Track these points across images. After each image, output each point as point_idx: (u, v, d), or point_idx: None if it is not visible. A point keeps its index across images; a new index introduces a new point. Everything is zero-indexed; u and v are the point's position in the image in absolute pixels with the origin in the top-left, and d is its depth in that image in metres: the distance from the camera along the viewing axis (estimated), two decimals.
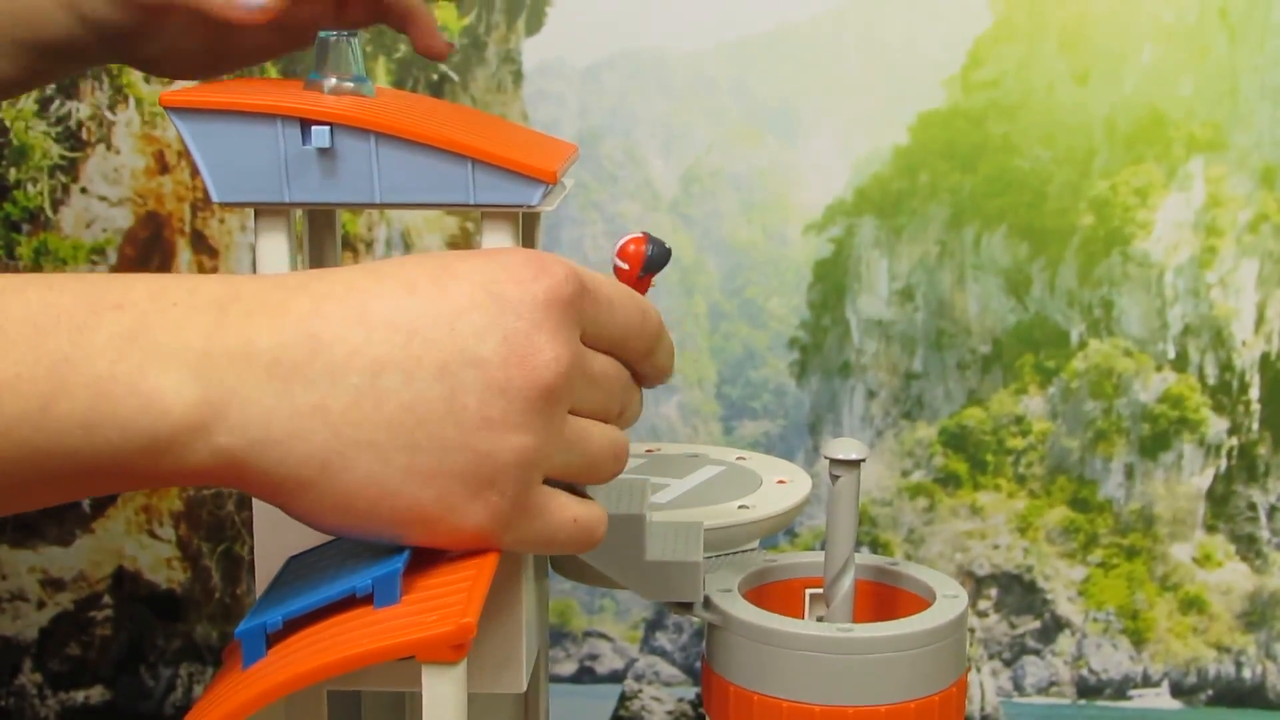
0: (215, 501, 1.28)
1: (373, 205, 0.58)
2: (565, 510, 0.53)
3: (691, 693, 1.36)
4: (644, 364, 0.56)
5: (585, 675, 1.37)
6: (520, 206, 0.58)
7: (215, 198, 0.58)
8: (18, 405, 0.47)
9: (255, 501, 0.59)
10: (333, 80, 0.58)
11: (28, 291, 0.48)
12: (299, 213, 0.61)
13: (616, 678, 1.37)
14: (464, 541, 0.51)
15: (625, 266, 0.59)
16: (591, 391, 0.53)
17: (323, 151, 0.57)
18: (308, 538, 0.57)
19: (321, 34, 0.59)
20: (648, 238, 0.59)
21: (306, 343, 0.49)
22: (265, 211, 0.58)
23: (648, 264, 0.59)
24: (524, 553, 0.54)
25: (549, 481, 0.52)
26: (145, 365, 0.47)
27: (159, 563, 1.29)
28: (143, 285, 0.49)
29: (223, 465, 0.49)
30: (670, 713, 1.37)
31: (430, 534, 0.51)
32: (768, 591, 0.65)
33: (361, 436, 0.49)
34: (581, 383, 0.52)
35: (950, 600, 0.61)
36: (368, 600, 0.51)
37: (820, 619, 0.64)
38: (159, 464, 0.48)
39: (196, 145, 0.57)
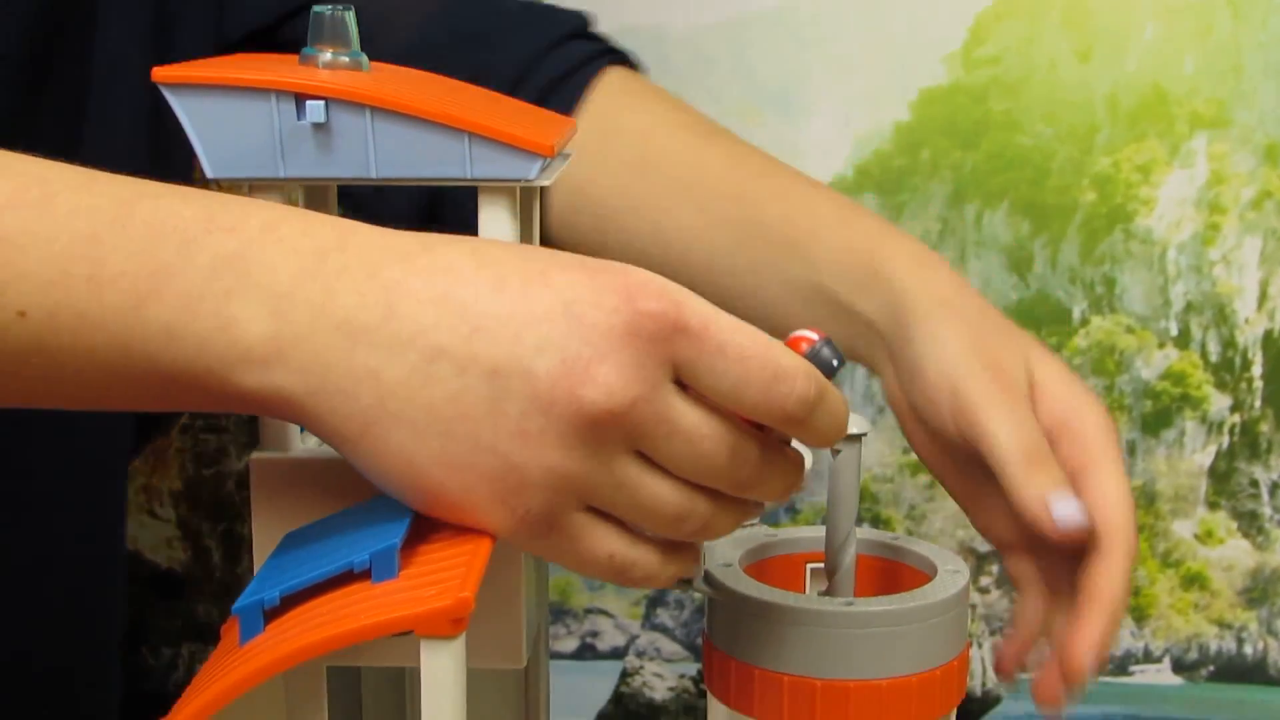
0: (216, 481, 1.28)
1: (369, 181, 0.57)
2: (601, 542, 0.52)
3: (693, 669, 1.36)
4: (790, 431, 0.53)
5: (587, 652, 1.37)
6: (518, 181, 0.57)
7: (209, 173, 0.57)
8: (117, 299, 0.50)
9: (253, 479, 0.59)
10: (328, 55, 0.58)
11: (162, 199, 0.52)
12: (297, 190, 0.61)
13: (618, 654, 1.37)
14: (496, 535, 0.52)
15: None
16: (672, 445, 0.51)
17: (318, 127, 0.57)
18: (306, 515, 0.57)
19: (315, 9, 0.58)
20: (817, 341, 0.54)
21: (381, 310, 0.50)
22: (260, 187, 0.58)
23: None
24: (553, 562, 0.54)
25: (599, 511, 0.52)
26: (233, 291, 0.50)
27: (160, 543, 1.29)
28: (261, 215, 0.52)
29: (282, 401, 0.51)
30: (672, 689, 1.37)
31: (459, 519, 0.52)
32: (768, 566, 0.65)
33: (403, 412, 0.50)
34: (656, 428, 0.50)
35: (952, 575, 0.61)
36: (365, 575, 0.51)
37: (822, 593, 0.64)
38: (225, 385, 0.51)
39: (190, 120, 0.57)
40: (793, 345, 0.54)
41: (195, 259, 0.50)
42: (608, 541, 0.52)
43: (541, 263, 0.51)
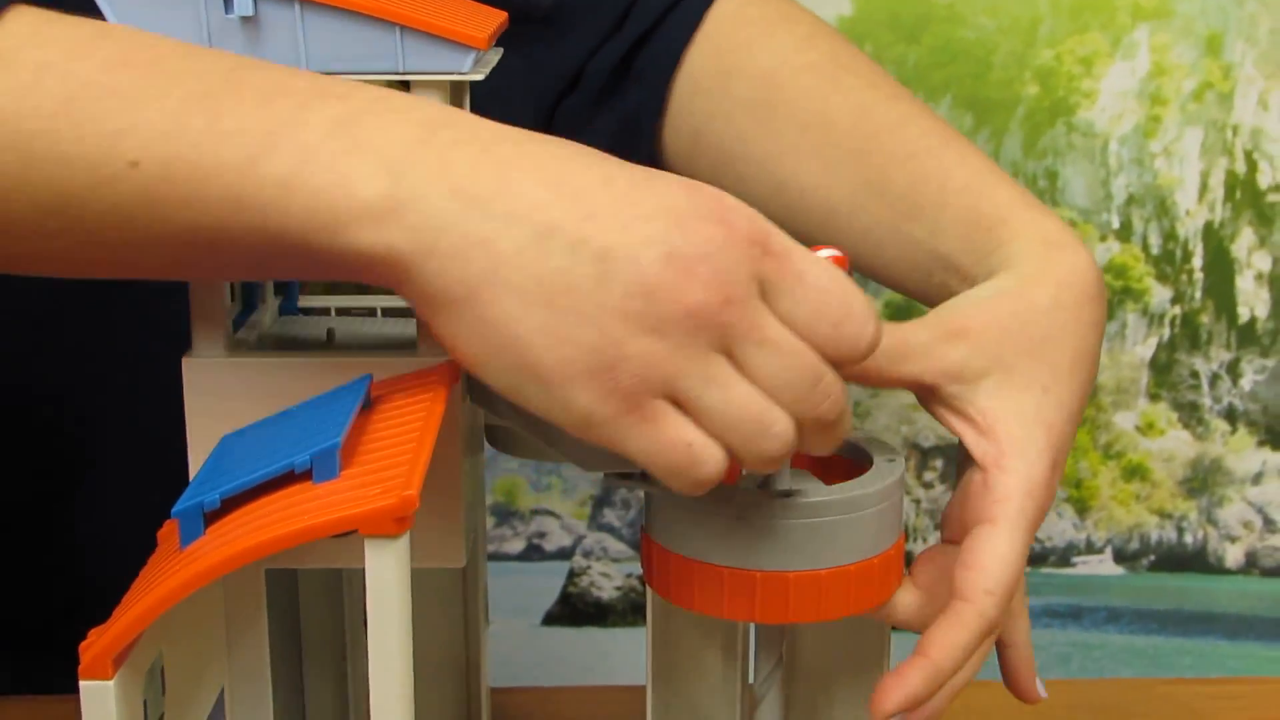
0: None
1: None
2: (681, 430, 0.52)
3: (640, 568, 1.36)
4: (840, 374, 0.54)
5: (534, 553, 1.37)
6: (451, 74, 0.57)
7: None
8: (230, 154, 0.51)
9: (186, 381, 0.58)
10: None
11: (270, 70, 0.53)
12: None
13: (565, 555, 1.37)
14: (572, 421, 0.52)
15: None
16: (762, 354, 0.52)
17: (246, 20, 0.56)
18: (240, 417, 0.57)
19: None
20: (846, 261, 0.56)
21: (496, 183, 0.51)
22: None
23: None
24: (625, 456, 0.53)
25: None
26: (349, 148, 0.51)
27: None
28: (370, 90, 0.53)
29: (390, 259, 0.51)
30: (619, 588, 1.38)
31: (542, 397, 0.52)
32: None
33: (514, 279, 0.50)
34: (745, 333, 0.51)
35: (887, 464, 0.61)
36: (306, 476, 0.51)
37: (759, 486, 0.64)
38: (333, 242, 0.51)
39: (115, 15, 0.56)
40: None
41: (310, 120, 0.51)
42: (688, 431, 0.52)
43: (642, 170, 0.53)
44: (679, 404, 0.52)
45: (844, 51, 0.77)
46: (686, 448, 0.52)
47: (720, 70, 0.78)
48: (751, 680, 0.63)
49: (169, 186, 0.51)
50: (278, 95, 0.52)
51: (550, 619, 1.38)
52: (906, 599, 0.62)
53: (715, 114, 0.78)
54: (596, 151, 0.53)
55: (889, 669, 0.63)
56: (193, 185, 0.51)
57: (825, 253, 0.55)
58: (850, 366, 0.53)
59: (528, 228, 0.51)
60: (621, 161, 0.53)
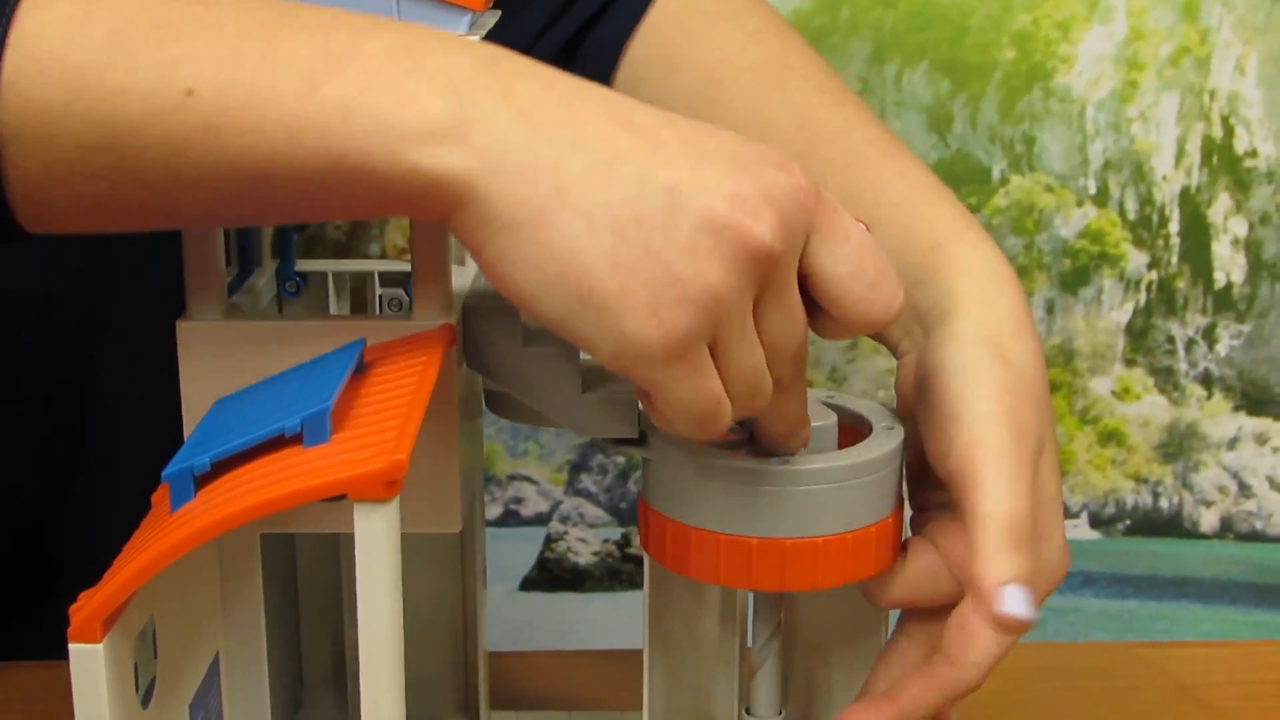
0: None
1: None
2: (715, 384, 0.52)
3: (617, 533, 1.36)
4: (851, 333, 0.55)
5: (510, 519, 1.37)
6: None
7: None
8: (290, 79, 0.50)
9: (181, 345, 0.57)
10: None
11: (321, 9, 0.52)
12: None
13: (541, 520, 1.37)
14: (618, 353, 0.51)
15: None
16: (781, 312, 0.53)
17: None
18: (234, 381, 0.57)
19: None
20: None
21: (562, 110, 0.51)
22: None
23: None
24: (652, 398, 0.53)
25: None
26: (413, 70, 0.50)
27: None
28: (424, 26, 0.53)
29: (452, 179, 0.50)
30: (596, 553, 1.38)
31: (594, 327, 0.51)
32: None
33: (581, 203, 0.50)
34: (779, 290, 0.52)
35: (887, 432, 0.61)
36: (297, 439, 0.50)
37: (756, 452, 0.64)
38: (397, 159, 0.50)
39: None
40: None
41: (368, 46, 0.50)
42: (718, 386, 0.52)
43: (698, 124, 0.53)
44: (713, 352, 0.52)
45: (793, 51, 0.77)
46: (716, 403, 0.52)
47: (665, 60, 0.78)
48: (749, 647, 0.63)
49: (224, 115, 0.50)
50: (333, 27, 0.51)
51: (527, 584, 1.38)
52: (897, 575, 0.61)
53: (658, 104, 0.77)
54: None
55: (886, 636, 0.63)
56: (250, 112, 0.50)
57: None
58: (871, 330, 0.54)
59: (594, 155, 0.50)
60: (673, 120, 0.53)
